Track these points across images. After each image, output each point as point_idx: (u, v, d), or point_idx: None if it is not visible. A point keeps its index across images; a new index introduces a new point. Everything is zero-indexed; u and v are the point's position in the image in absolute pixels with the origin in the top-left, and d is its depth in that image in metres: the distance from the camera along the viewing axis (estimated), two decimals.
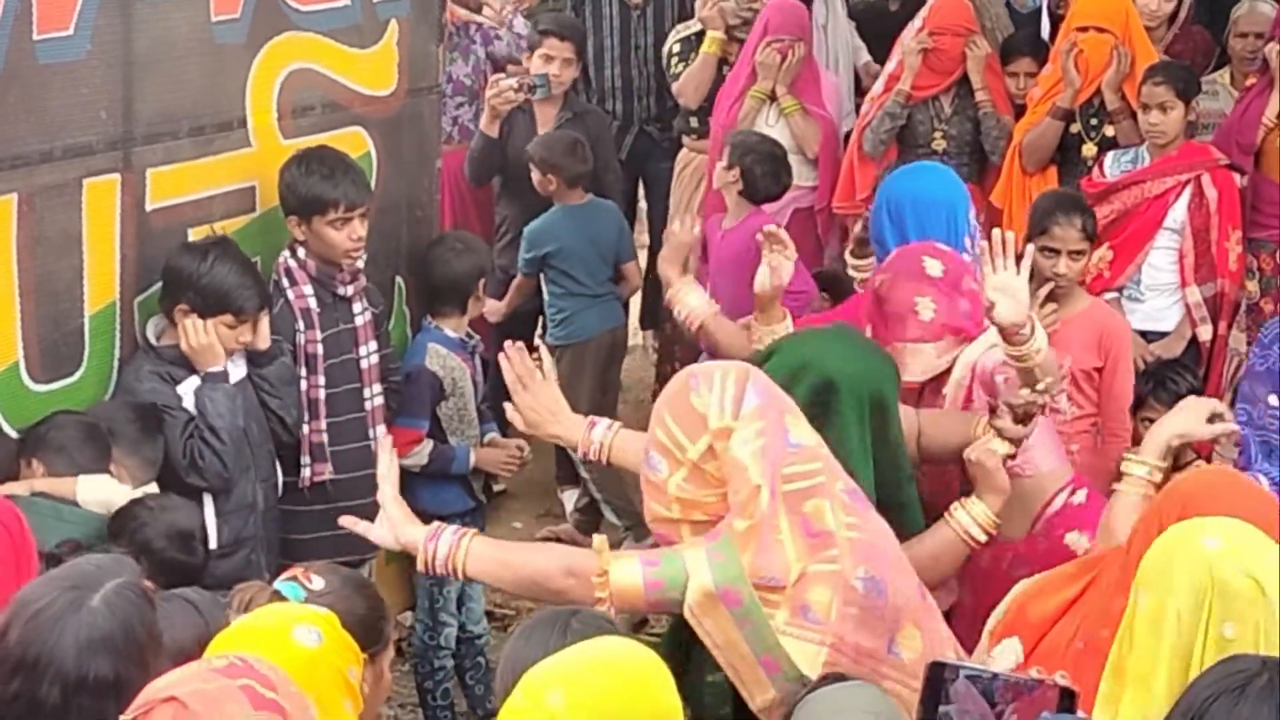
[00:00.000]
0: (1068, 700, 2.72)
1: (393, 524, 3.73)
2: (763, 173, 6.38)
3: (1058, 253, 5.51)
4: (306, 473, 5.05)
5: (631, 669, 2.57)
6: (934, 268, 4.37)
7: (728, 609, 3.40)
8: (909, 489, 3.99)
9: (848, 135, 7.55)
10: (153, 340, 4.72)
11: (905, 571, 3.56)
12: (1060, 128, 6.89)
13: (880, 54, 7.56)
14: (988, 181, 7.17)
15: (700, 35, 7.55)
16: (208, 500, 4.71)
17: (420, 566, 3.69)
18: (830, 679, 3.09)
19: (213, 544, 4.66)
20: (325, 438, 5.06)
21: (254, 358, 4.81)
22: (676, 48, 7.63)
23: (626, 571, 3.48)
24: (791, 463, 3.45)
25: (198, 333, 4.64)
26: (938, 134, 7.18)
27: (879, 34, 7.79)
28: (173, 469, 4.61)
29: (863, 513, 3.54)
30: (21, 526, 3.31)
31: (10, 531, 3.26)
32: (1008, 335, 4.12)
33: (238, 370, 4.79)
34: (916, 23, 7.29)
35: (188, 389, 4.68)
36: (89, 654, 2.71)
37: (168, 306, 4.70)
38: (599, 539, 3.61)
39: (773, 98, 7.24)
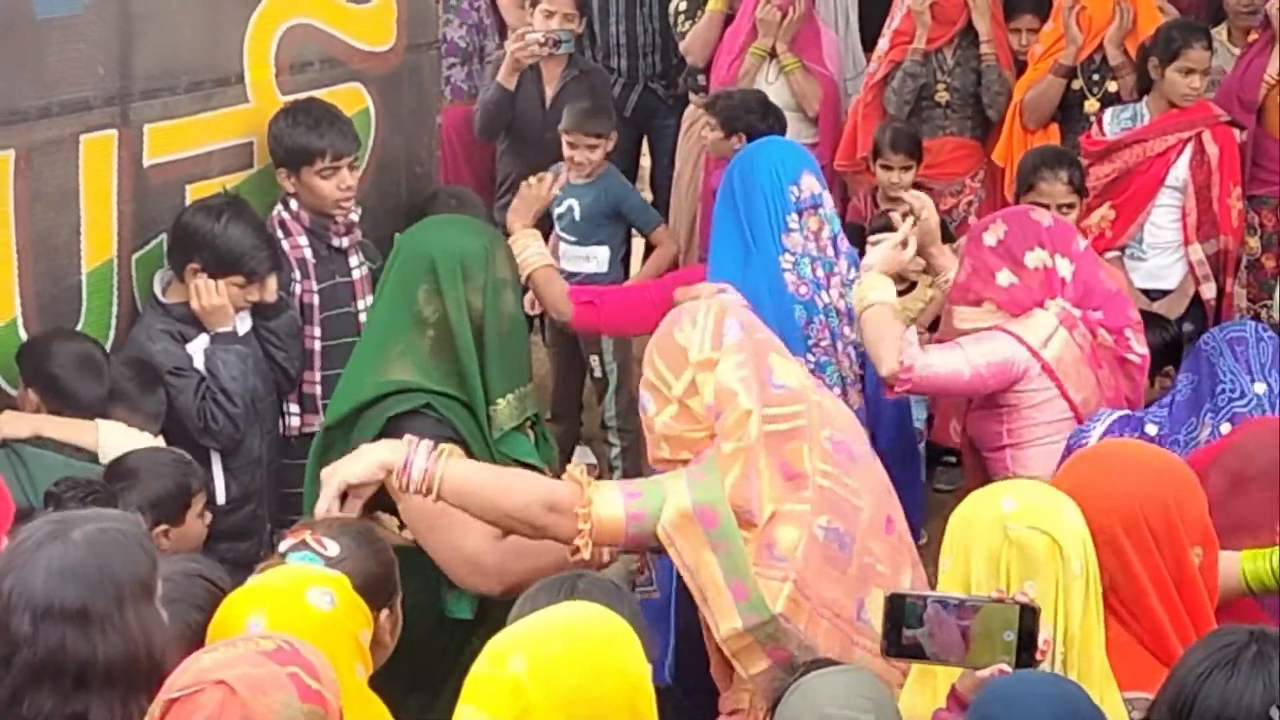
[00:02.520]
0: (1029, 617, 2.74)
1: (364, 452, 3.54)
2: (765, 126, 6.35)
3: (1046, 208, 5.52)
4: (295, 421, 5.05)
5: (597, 635, 2.56)
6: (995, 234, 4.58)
7: (703, 529, 3.36)
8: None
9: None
10: (159, 294, 4.73)
11: (878, 536, 3.53)
12: (1062, 85, 6.87)
13: (882, 7, 7.50)
14: (990, 137, 7.15)
15: None
16: (215, 457, 4.73)
17: (396, 484, 3.50)
18: (820, 663, 3.04)
19: (220, 499, 4.69)
20: (319, 389, 5.05)
21: (260, 310, 4.83)
22: (683, 5, 7.58)
23: (609, 503, 3.42)
24: (774, 403, 3.44)
25: (210, 293, 4.66)
26: (940, 86, 7.13)
27: None
28: (181, 426, 4.63)
29: (844, 464, 3.50)
30: None
31: None
32: None
33: (243, 324, 4.80)
34: None
35: (197, 347, 4.71)
36: (56, 580, 2.67)
37: (178, 264, 4.71)
38: (577, 467, 3.54)
39: (773, 55, 7.22)
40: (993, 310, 4.56)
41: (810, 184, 4.74)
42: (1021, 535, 2.89)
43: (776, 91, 7.13)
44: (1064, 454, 4.18)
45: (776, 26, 7.17)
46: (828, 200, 4.79)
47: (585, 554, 3.44)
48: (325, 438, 3.99)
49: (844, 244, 4.81)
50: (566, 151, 6.63)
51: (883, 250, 4.66)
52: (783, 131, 6.44)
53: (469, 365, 3.89)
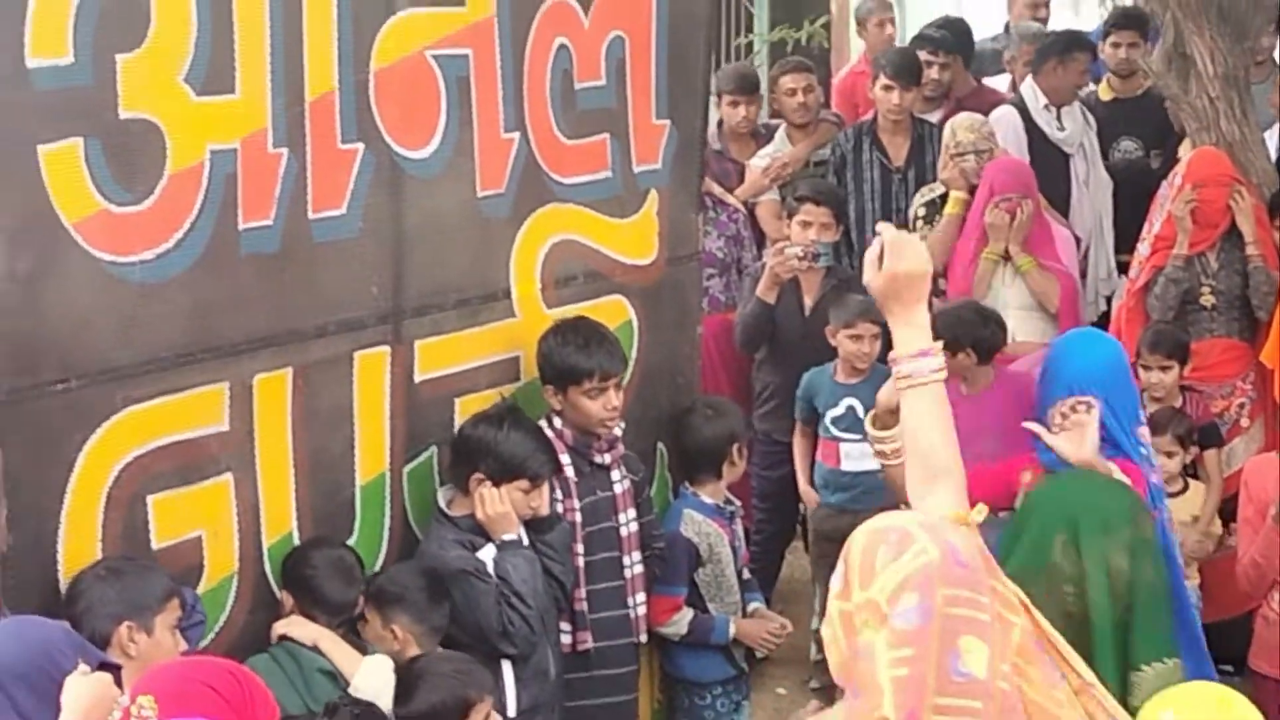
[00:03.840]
0: None
1: None
2: (988, 334, 6.26)
3: None
4: (567, 639, 5.05)
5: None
6: None
7: None
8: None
9: (1108, 298, 7.44)
10: (444, 508, 4.79)
11: None
12: None
13: (1140, 211, 7.43)
14: (1258, 339, 6.99)
15: (944, 197, 7.49)
16: (507, 667, 4.74)
17: None
18: None
19: (511, 711, 4.70)
20: (585, 605, 5.06)
21: (535, 524, 4.84)
22: (921, 211, 7.58)
23: None
24: (950, 693, 3.11)
25: (494, 501, 4.71)
26: (1205, 289, 7.01)
27: (1138, 191, 7.68)
28: (473, 633, 4.66)
29: None
30: (240, 688, 3.32)
31: (221, 695, 3.26)
32: None
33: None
34: (1176, 180, 7.16)
35: (486, 556, 4.74)
36: None
37: (460, 475, 4.77)
38: None
39: (1007, 257, 7.17)
40: None
41: None
42: None
43: (1015, 293, 7.07)
44: None
45: (1006, 229, 7.13)
46: None
47: None
48: None
49: None
50: (849, 348, 6.48)
51: None
52: (1005, 335, 6.36)
53: (1101, 623, 3.81)
